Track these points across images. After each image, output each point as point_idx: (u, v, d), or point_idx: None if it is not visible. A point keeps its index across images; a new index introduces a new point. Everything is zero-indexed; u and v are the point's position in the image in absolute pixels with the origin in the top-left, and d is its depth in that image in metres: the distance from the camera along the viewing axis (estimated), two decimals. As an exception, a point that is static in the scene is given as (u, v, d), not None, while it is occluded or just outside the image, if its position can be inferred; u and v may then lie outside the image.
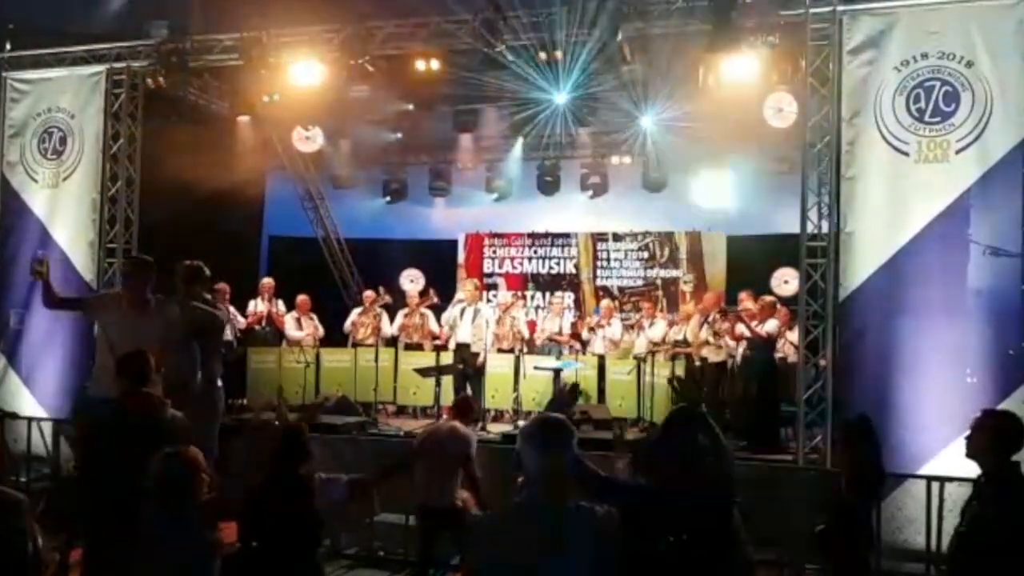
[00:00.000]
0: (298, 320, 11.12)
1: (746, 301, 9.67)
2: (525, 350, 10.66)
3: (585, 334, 11.13)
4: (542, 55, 8.81)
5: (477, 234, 13.78)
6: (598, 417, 9.19)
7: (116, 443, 4.17)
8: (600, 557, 2.77)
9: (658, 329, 10.66)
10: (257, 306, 11.17)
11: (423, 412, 10.58)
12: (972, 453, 3.92)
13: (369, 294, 11.44)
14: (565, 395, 3.92)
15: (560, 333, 11.07)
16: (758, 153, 12.16)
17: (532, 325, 11.65)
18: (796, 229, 8.06)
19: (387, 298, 11.26)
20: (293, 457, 4.19)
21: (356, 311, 11.39)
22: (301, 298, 11.25)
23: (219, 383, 6.33)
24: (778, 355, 9.54)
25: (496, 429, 9.58)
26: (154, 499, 3.56)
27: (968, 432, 3.95)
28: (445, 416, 7.60)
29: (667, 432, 3.46)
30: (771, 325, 9.07)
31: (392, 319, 11.17)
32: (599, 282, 13.19)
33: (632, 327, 11.41)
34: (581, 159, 13.34)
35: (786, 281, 11.32)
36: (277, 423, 4.78)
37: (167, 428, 4.44)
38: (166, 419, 4.56)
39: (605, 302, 11.58)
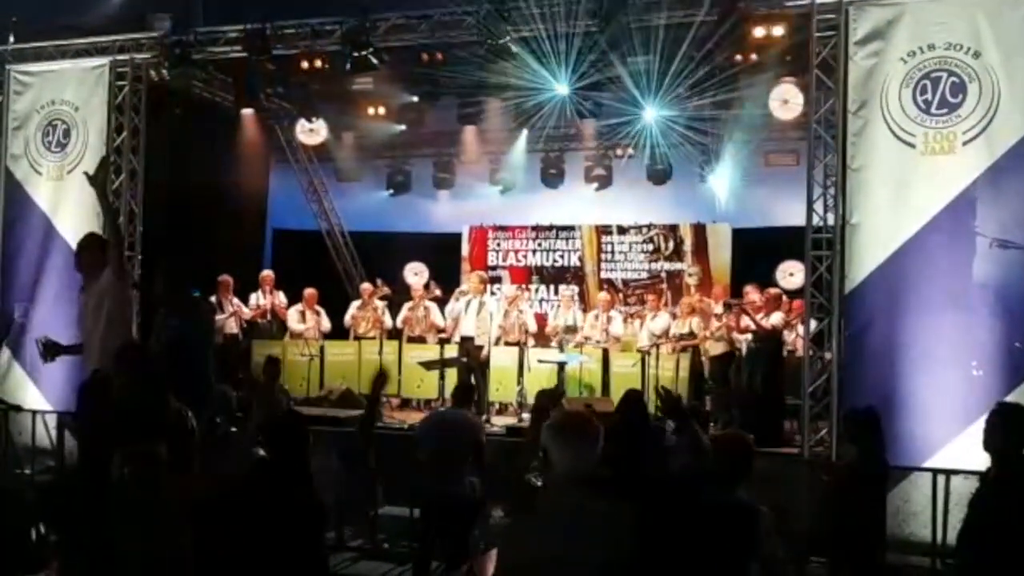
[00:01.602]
0: (302, 313, 11.12)
1: (752, 294, 9.64)
2: (532, 343, 10.63)
3: (587, 329, 11.02)
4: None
5: (481, 227, 13.75)
6: (603, 410, 9.16)
7: (115, 437, 4.16)
8: (623, 552, 2.75)
9: (661, 322, 10.62)
10: (259, 299, 11.17)
11: (427, 405, 10.57)
12: (989, 446, 3.89)
13: (367, 287, 11.42)
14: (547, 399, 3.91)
15: (574, 327, 10.97)
16: (763, 145, 12.12)
17: (540, 318, 11.60)
18: (802, 221, 8.03)
19: (385, 290, 11.23)
20: (296, 443, 4.17)
21: (354, 304, 11.36)
22: (309, 291, 11.23)
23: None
24: (788, 348, 9.52)
25: (500, 422, 9.57)
26: (117, 498, 3.55)
27: (986, 425, 3.92)
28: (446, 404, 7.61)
29: (620, 416, 3.47)
30: (775, 318, 9.04)
31: (397, 312, 11.15)
32: (604, 275, 13.16)
33: (633, 317, 11.37)
34: (585, 151, 13.28)
35: (791, 274, 11.28)
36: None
37: (169, 420, 4.42)
38: (170, 411, 4.55)
39: (602, 295, 11.53)
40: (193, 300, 6.27)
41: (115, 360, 4.69)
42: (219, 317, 10.62)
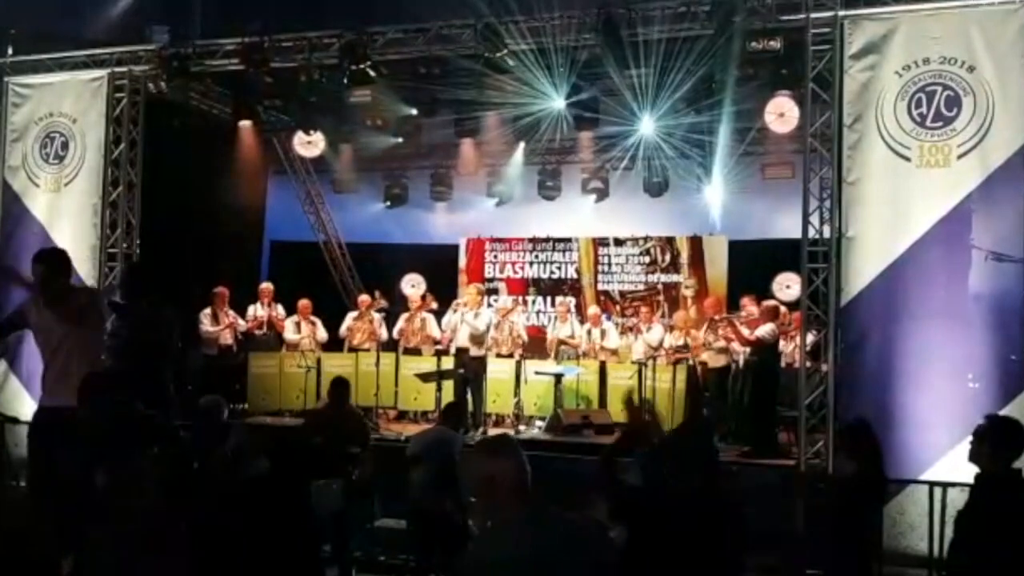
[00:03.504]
0: (298, 324, 11.13)
1: (749, 306, 9.66)
2: (525, 355, 10.63)
3: (584, 344, 10.99)
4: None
5: (478, 239, 13.75)
6: (600, 422, 9.18)
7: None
8: (590, 566, 2.73)
9: (655, 334, 10.63)
10: (257, 311, 11.17)
11: (424, 417, 10.56)
12: (974, 458, 3.92)
13: (364, 298, 11.43)
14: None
15: (572, 336, 10.97)
16: (760, 157, 12.16)
17: (535, 330, 11.60)
18: (798, 234, 8.06)
19: (383, 303, 11.24)
20: (294, 461, 4.18)
21: (351, 316, 11.37)
22: (303, 302, 11.25)
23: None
24: (786, 360, 9.52)
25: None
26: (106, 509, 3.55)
27: (972, 438, 3.94)
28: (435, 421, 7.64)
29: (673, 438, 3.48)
30: (764, 330, 9.01)
31: (394, 324, 11.16)
32: (600, 287, 13.17)
33: (631, 330, 11.39)
34: (582, 164, 13.32)
35: (788, 286, 11.31)
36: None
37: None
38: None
39: (592, 309, 11.52)
40: (145, 304, 6.11)
41: (80, 391, 4.55)
42: (213, 329, 10.63)
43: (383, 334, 11.10)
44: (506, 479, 2.79)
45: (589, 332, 10.88)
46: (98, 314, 5.29)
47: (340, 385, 7.47)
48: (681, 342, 10.42)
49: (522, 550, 2.70)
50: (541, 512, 2.77)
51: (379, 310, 11.21)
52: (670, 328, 10.98)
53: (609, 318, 11.59)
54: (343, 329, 11.24)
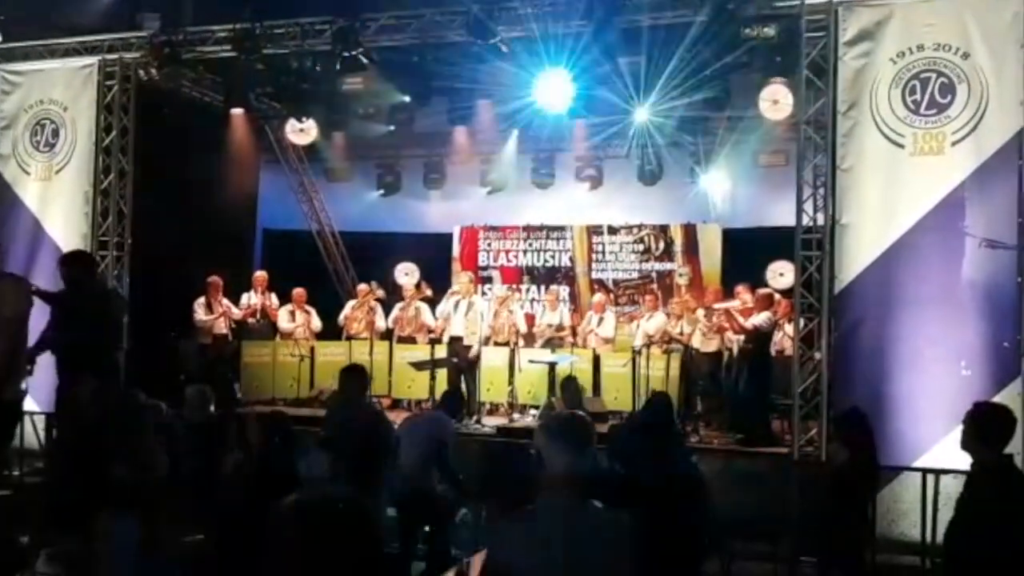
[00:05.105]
0: (292, 313, 11.12)
1: (743, 294, 9.65)
2: (522, 344, 10.63)
3: (583, 332, 11.00)
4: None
5: (472, 227, 13.72)
6: (594, 410, 9.16)
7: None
8: (619, 557, 2.73)
9: (657, 321, 10.61)
10: (250, 299, 11.15)
11: (418, 405, 10.56)
12: (965, 445, 3.93)
13: (363, 287, 11.43)
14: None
15: (560, 326, 10.99)
16: (753, 145, 12.14)
17: (529, 319, 11.60)
18: (791, 221, 8.05)
19: (380, 293, 11.24)
20: (284, 447, 4.17)
21: (350, 304, 11.38)
22: (297, 291, 11.24)
23: None
24: (776, 348, 9.52)
25: (491, 422, 9.57)
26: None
27: (963, 425, 3.96)
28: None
29: (640, 419, 3.49)
30: (759, 318, 9.00)
31: (388, 313, 11.15)
32: (594, 275, 13.15)
33: (628, 317, 11.38)
34: (576, 152, 13.29)
35: (781, 274, 11.29)
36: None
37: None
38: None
39: (597, 297, 11.52)
40: (86, 286, 6.08)
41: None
42: (207, 318, 10.62)
43: (381, 323, 11.09)
44: (552, 463, 2.80)
45: (590, 319, 10.88)
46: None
47: (351, 372, 6.19)
48: (678, 329, 10.39)
49: (549, 535, 2.71)
50: (578, 502, 2.77)
51: (377, 299, 11.22)
52: (667, 315, 10.96)
53: (605, 308, 11.58)
54: (341, 318, 11.24)
